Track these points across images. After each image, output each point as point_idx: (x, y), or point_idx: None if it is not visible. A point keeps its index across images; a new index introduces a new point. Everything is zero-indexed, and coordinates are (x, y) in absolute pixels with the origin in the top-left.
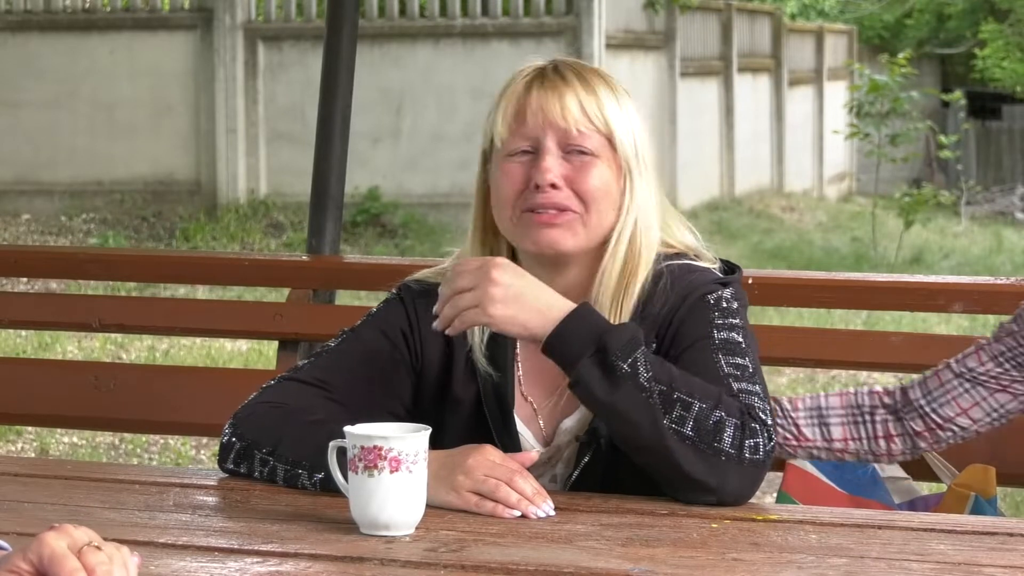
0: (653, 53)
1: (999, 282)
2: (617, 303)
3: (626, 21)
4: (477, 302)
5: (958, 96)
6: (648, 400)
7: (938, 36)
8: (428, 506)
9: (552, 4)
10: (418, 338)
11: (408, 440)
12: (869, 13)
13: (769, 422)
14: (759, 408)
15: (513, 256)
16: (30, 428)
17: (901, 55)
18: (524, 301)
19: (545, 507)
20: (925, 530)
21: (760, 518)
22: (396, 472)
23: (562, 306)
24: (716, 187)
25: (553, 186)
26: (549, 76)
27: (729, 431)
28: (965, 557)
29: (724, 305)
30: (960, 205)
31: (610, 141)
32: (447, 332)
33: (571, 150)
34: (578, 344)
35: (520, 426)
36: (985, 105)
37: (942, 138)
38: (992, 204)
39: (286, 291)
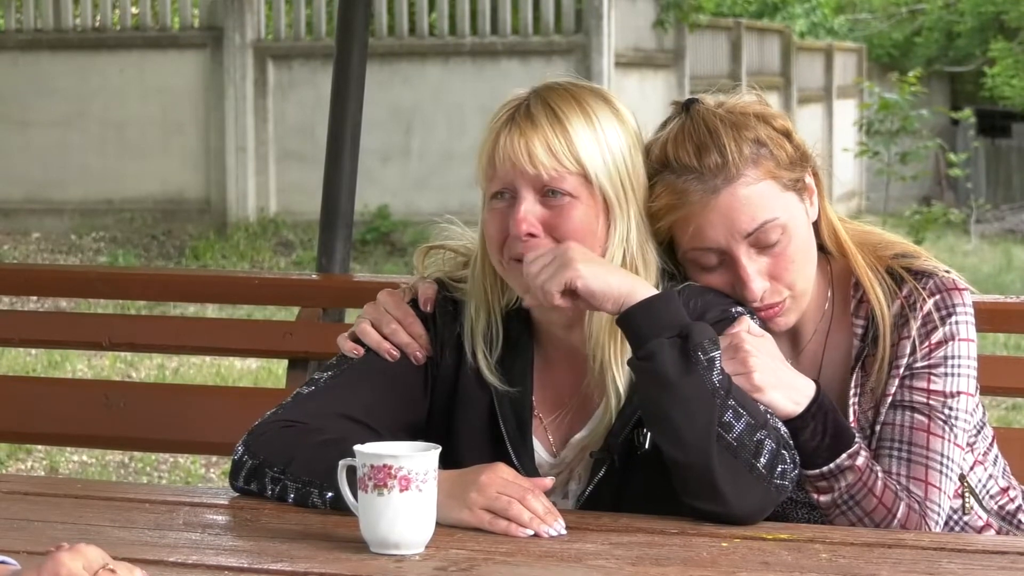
0: (662, 71)
1: (1009, 300)
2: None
3: (635, 39)
4: (561, 262)
5: (968, 114)
6: (712, 397)
7: (947, 54)
8: (441, 524)
9: (562, 22)
10: (436, 349)
11: (418, 459)
12: (878, 31)
13: (796, 454)
14: (788, 435)
15: None
16: (40, 447)
17: (911, 73)
18: (608, 266)
19: (557, 526)
20: (935, 549)
21: (770, 537)
22: (406, 491)
23: (646, 286)
24: None
25: (531, 235)
26: (518, 119)
27: (767, 452)
28: None
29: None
30: (970, 223)
31: (586, 179)
32: (534, 303)
33: (547, 193)
34: (661, 322)
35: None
36: (995, 123)
37: (952, 156)
38: (1002, 222)
39: (296, 310)
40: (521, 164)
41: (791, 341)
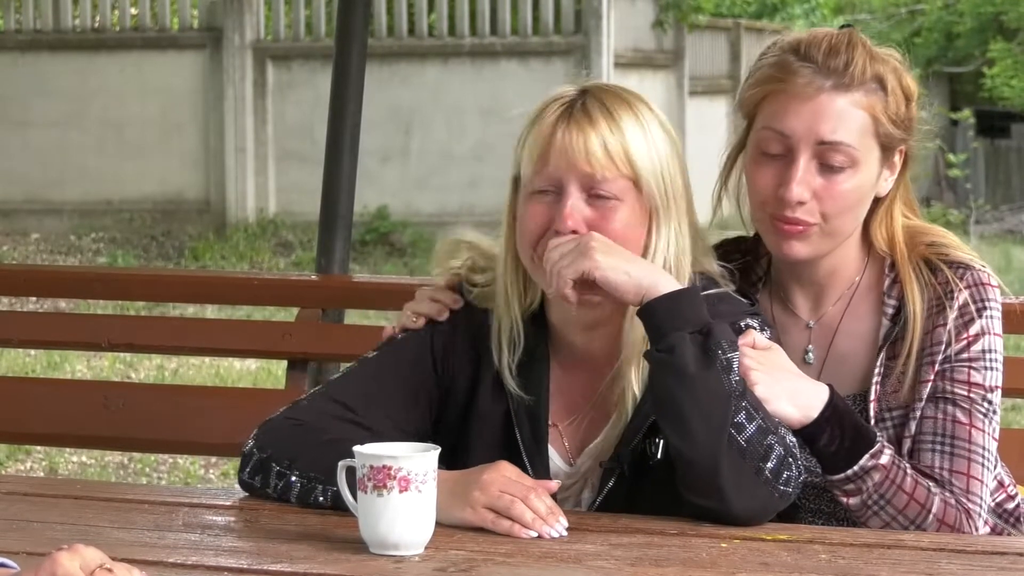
0: (662, 72)
1: (1009, 301)
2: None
3: (635, 40)
4: (581, 251)
5: (967, 115)
6: (728, 397)
7: (947, 55)
8: (444, 523)
9: (561, 23)
10: (449, 353)
11: (417, 460)
12: (877, 32)
13: (802, 464)
14: (796, 445)
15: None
16: (39, 447)
17: None
18: (630, 257)
19: (559, 526)
20: (935, 550)
21: (770, 538)
22: (405, 492)
23: (670, 280)
24: (726, 206)
25: (575, 232)
26: (576, 114)
27: (775, 457)
28: None
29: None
30: (969, 224)
31: (635, 183)
32: (558, 294)
33: (595, 193)
34: (683, 317)
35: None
36: (994, 124)
37: (951, 157)
38: (1001, 223)
39: (295, 310)
40: (576, 160)
41: (815, 299)
